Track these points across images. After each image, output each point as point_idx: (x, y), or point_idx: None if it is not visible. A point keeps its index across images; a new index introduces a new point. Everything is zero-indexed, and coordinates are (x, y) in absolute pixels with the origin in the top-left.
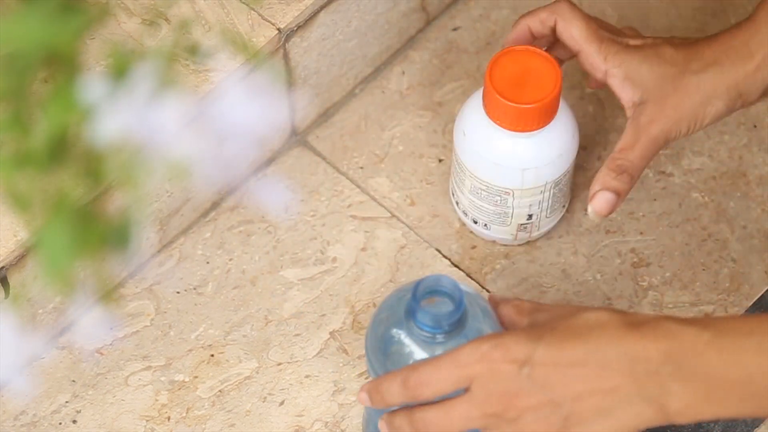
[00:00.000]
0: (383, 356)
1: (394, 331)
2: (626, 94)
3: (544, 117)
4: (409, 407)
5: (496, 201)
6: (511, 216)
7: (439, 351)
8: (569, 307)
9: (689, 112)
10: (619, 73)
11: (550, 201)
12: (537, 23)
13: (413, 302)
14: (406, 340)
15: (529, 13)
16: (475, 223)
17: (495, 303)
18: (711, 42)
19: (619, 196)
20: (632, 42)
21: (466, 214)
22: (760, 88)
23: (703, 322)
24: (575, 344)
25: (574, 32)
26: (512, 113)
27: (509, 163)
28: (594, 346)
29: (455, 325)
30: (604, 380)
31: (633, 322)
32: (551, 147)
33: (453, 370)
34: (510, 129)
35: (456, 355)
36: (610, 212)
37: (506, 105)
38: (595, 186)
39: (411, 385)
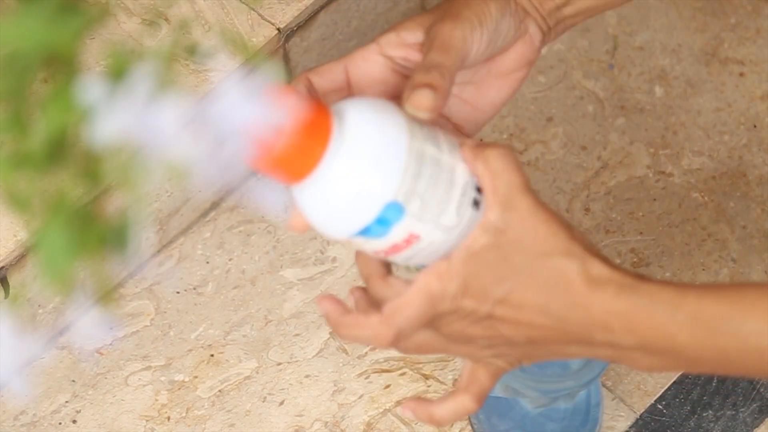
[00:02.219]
0: None
1: None
2: (423, 22)
3: (305, 155)
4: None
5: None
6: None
7: None
8: (531, 226)
9: (474, 10)
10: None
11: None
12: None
13: None
14: None
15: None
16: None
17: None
18: None
19: (437, 91)
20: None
21: None
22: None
23: (676, 298)
24: (538, 294)
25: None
26: (273, 163)
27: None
28: (557, 303)
29: None
30: (563, 333)
31: (592, 281)
32: (335, 191)
33: (408, 318)
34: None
35: (414, 305)
36: (433, 108)
37: (266, 161)
38: (406, 91)
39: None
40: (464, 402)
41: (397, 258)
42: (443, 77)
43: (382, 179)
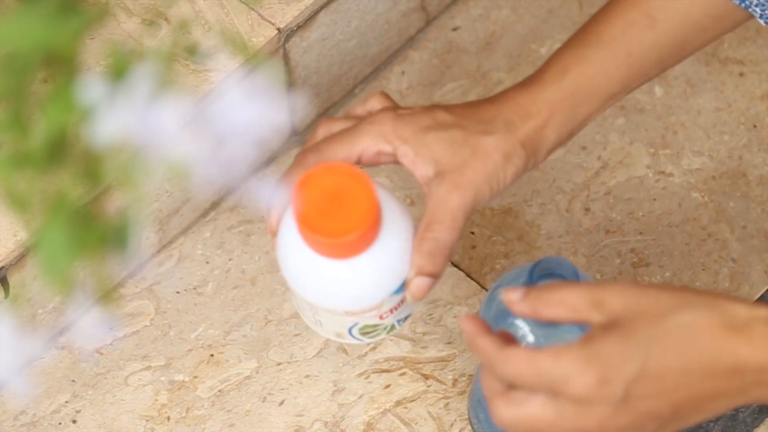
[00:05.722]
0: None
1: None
2: (420, 171)
3: (361, 243)
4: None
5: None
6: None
7: (551, 336)
8: (646, 295)
9: (491, 175)
10: (409, 151)
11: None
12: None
13: (529, 281)
14: (519, 322)
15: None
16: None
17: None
18: (494, 102)
19: (435, 277)
20: (401, 111)
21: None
22: (549, 147)
23: None
24: (674, 355)
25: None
26: (325, 244)
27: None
28: (695, 355)
29: None
30: (708, 387)
31: (732, 325)
32: (377, 269)
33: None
34: (329, 257)
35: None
36: (427, 293)
37: (317, 237)
38: (411, 272)
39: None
40: None
41: (389, 317)
42: (445, 259)
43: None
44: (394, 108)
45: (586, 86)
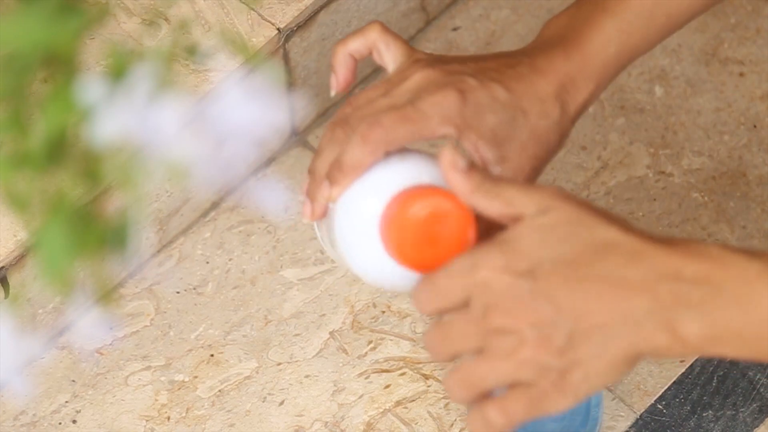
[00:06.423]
0: None
1: None
2: (481, 154)
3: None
4: None
5: None
6: None
7: None
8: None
9: (548, 158)
10: (472, 135)
11: None
12: (356, 51)
13: None
14: None
15: (342, 42)
16: None
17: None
18: (544, 74)
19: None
20: (460, 84)
21: None
22: (581, 114)
23: (752, 252)
24: (588, 256)
25: (389, 62)
26: (420, 268)
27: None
28: (613, 262)
29: None
30: (619, 298)
31: (664, 240)
32: None
33: (448, 282)
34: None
35: (450, 268)
36: None
37: (410, 268)
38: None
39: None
40: (489, 412)
41: None
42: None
43: None
44: (440, 68)
45: (627, 57)
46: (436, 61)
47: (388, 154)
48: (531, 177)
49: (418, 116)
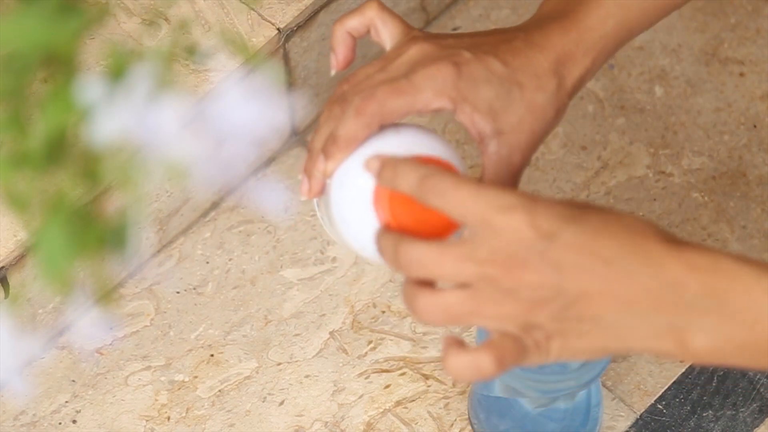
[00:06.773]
0: None
1: None
2: (477, 128)
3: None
4: None
5: None
6: None
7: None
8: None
9: (545, 132)
10: (467, 108)
11: None
12: (354, 29)
13: None
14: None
15: (341, 20)
16: None
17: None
18: (541, 48)
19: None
20: (455, 57)
21: None
22: (579, 89)
23: (763, 266)
24: (609, 241)
25: (386, 39)
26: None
27: None
28: (628, 252)
29: None
30: (624, 288)
31: (679, 243)
32: None
33: (469, 203)
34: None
35: (480, 193)
36: None
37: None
38: None
39: (426, 187)
40: (482, 359)
41: None
42: None
43: None
44: (435, 43)
45: (626, 32)
46: (432, 36)
47: (383, 128)
48: (528, 151)
49: (412, 89)
